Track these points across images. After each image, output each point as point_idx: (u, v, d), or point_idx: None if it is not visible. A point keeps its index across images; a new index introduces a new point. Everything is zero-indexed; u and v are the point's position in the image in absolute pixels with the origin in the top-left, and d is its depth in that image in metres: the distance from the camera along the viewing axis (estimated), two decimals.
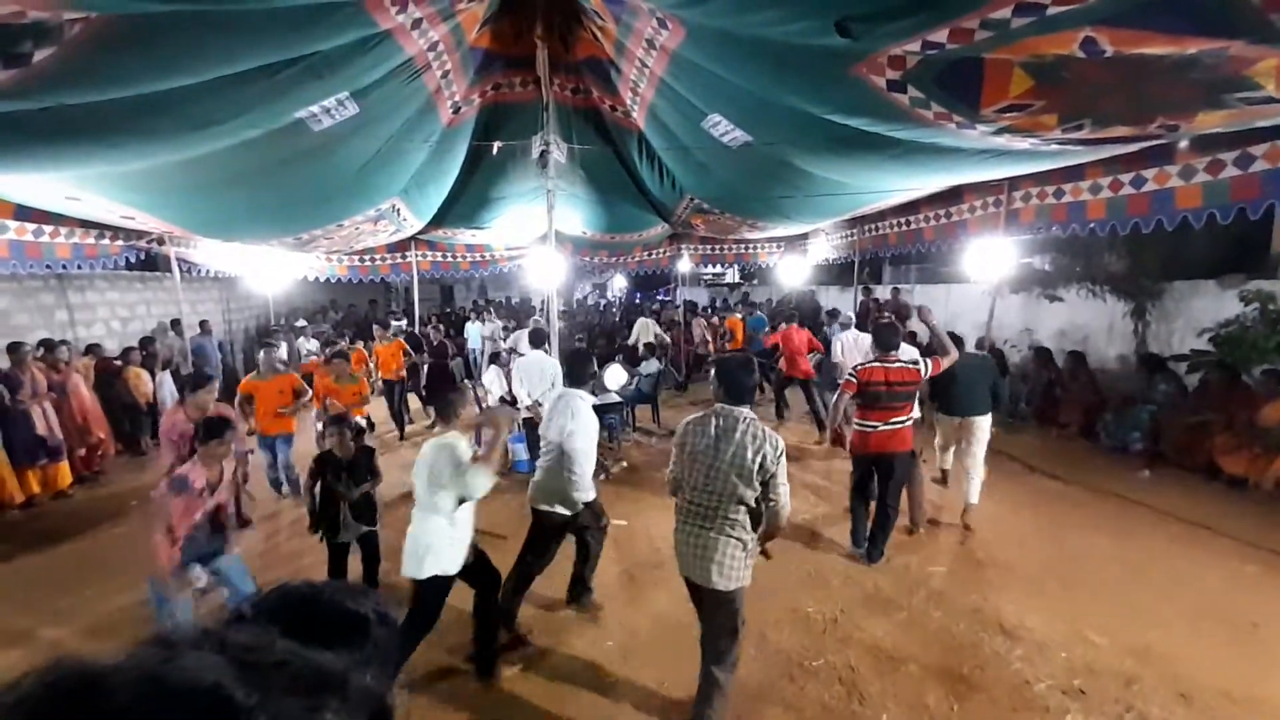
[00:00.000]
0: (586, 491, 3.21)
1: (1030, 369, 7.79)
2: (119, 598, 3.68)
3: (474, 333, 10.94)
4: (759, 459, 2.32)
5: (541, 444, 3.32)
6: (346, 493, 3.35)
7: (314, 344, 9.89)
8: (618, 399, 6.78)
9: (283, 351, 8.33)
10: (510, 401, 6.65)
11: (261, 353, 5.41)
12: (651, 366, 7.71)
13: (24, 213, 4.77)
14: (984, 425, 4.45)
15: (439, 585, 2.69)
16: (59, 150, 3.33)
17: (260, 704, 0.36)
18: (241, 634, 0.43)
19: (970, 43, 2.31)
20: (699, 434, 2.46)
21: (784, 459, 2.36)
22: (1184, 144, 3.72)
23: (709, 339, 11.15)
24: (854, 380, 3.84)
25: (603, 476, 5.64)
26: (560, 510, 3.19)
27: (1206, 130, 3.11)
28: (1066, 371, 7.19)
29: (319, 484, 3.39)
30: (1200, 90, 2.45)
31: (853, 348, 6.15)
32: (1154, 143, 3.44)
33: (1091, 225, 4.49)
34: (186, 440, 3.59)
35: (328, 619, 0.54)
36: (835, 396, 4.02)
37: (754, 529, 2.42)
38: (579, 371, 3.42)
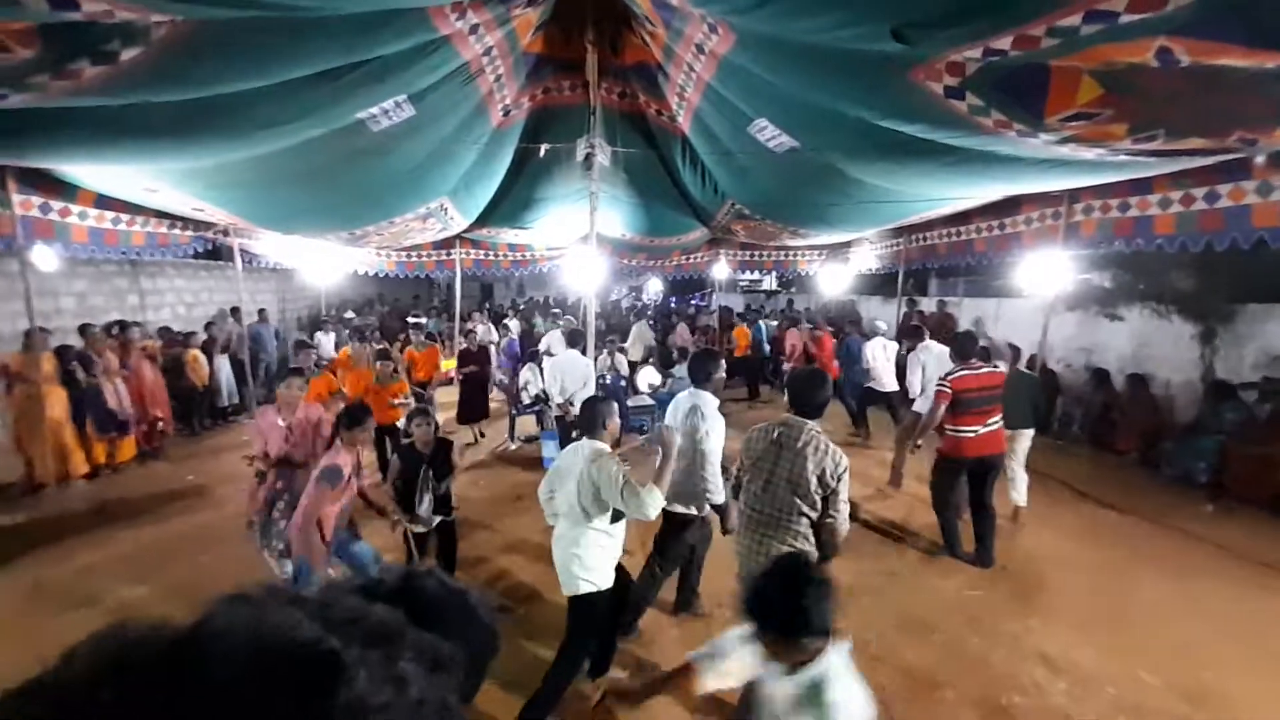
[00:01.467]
0: (717, 494, 3.08)
1: (1085, 390, 7.43)
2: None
3: (513, 330, 11.17)
4: (819, 473, 2.29)
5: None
6: (426, 486, 3.38)
7: (331, 338, 9.58)
8: (649, 401, 6.80)
9: (328, 345, 8.68)
10: (544, 399, 6.76)
11: (300, 355, 5.66)
12: (683, 370, 7.69)
13: (104, 202, 5.11)
14: (1026, 436, 4.66)
15: (596, 601, 2.54)
16: (140, 145, 3.57)
17: (357, 658, 0.37)
18: (315, 593, 0.45)
19: (1036, 49, 2.23)
20: (762, 441, 2.46)
21: (847, 476, 2.32)
22: (1260, 159, 3.50)
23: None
24: (948, 390, 3.97)
25: None
26: (692, 511, 3.11)
27: None
28: (1127, 395, 6.84)
29: (400, 477, 3.45)
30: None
31: (883, 355, 6.59)
32: (1230, 156, 3.25)
33: (1159, 241, 4.26)
34: (275, 433, 3.59)
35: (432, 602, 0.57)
36: (930, 409, 4.16)
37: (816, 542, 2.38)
38: (706, 370, 3.23)
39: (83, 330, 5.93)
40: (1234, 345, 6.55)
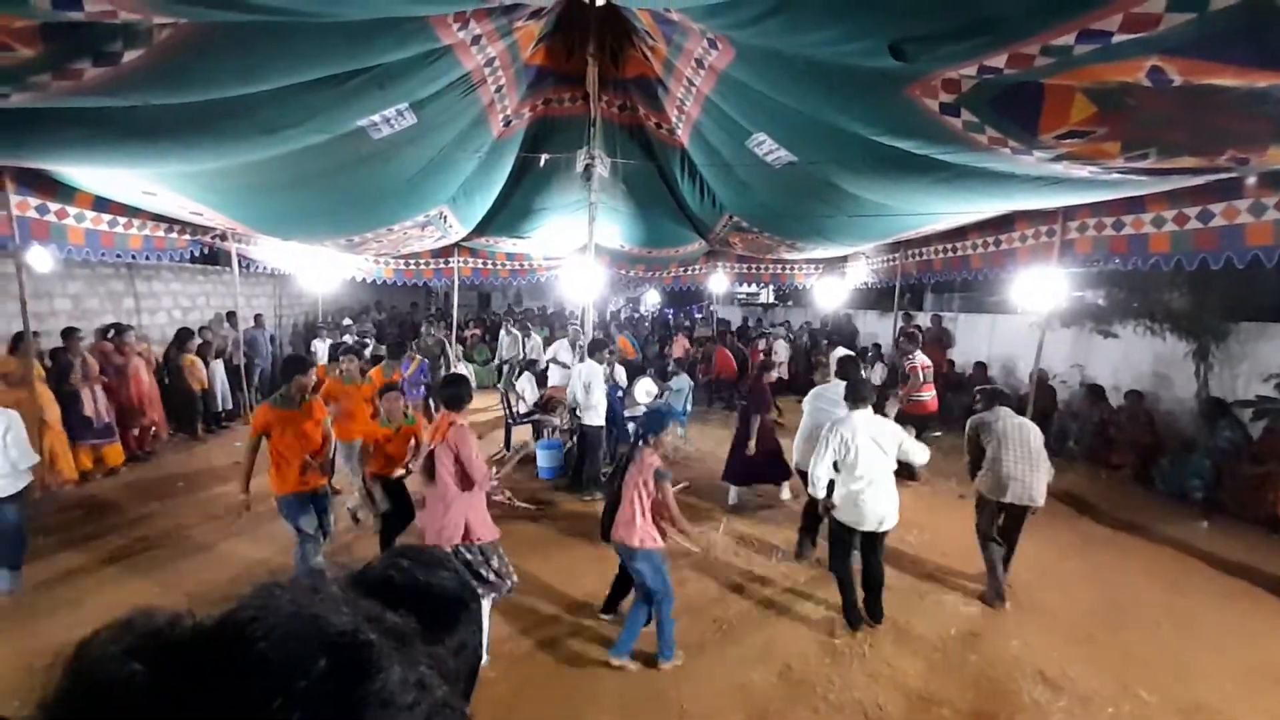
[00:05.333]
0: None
1: (1081, 406, 7.45)
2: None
3: (507, 341, 11.10)
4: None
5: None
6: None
7: (327, 345, 8.92)
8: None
9: (323, 353, 8.59)
10: (541, 407, 6.73)
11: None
12: (681, 383, 7.68)
13: (101, 204, 5.10)
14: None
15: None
16: (140, 147, 3.57)
17: (390, 652, 0.37)
18: (335, 588, 0.45)
19: (1030, 68, 2.26)
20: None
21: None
22: (1252, 180, 3.55)
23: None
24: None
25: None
26: None
27: (1277, 166, 2.96)
28: (1124, 411, 6.85)
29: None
30: (1272, 124, 2.34)
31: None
32: (1222, 176, 3.29)
33: (1155, 259, 4.30)
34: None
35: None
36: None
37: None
38: (861, 385, 3.65)
39: (65, 335, 5.86)
40: (1227, 363, 6.60)
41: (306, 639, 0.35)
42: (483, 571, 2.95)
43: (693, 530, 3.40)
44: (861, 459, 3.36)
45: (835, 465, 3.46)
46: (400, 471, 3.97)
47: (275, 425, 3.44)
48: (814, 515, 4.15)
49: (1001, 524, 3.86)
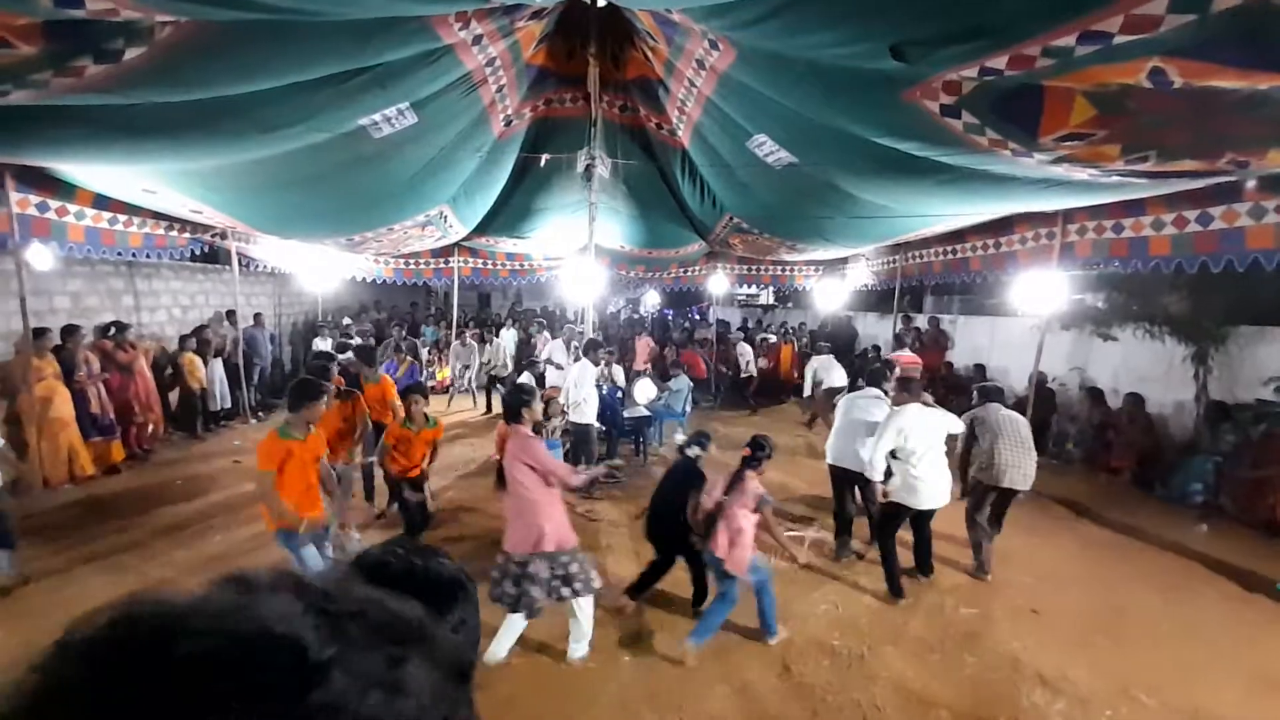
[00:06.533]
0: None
1: (1080, 409, 7.44)
2: None
3: (508, 339, 11.07)
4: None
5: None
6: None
7: (328, 344, 8.54)
8: (647, 413, 6.77)
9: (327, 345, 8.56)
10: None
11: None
12: (681, 383, 7.68)
13: (102, 202, 5.11)
14: None
15: None
16: (140, 144, 3.57)
17: (337, 656, 0.33)
18: (319, 580, 0.41)
19: (1031, 69, 2.27)
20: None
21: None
22: (1252, 183, 3.55)
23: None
24: None
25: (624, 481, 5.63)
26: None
27: (1276, 169, 2.97)
28: (1124, 414, 6.84)
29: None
30: (1272, 127, 2.34)
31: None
32: (1221, 179, 3.29)
33: (1155, 262, 4.31)
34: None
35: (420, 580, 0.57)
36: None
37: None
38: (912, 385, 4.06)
39: (67, 333, 5.85)
40: (1227, 367, 6.59)
41: (230, 645, 0.32)
42: (570, 571, 2.93)
43: (791, 545, 3.58)
44: (918, 447, 3.75)
45: (893, 453, 3.84)
46: (417, 472, 4.05)
47: (284, 458, 3.07)
48: (845, 519, 4.46)
49: (993, 504, 4.25)
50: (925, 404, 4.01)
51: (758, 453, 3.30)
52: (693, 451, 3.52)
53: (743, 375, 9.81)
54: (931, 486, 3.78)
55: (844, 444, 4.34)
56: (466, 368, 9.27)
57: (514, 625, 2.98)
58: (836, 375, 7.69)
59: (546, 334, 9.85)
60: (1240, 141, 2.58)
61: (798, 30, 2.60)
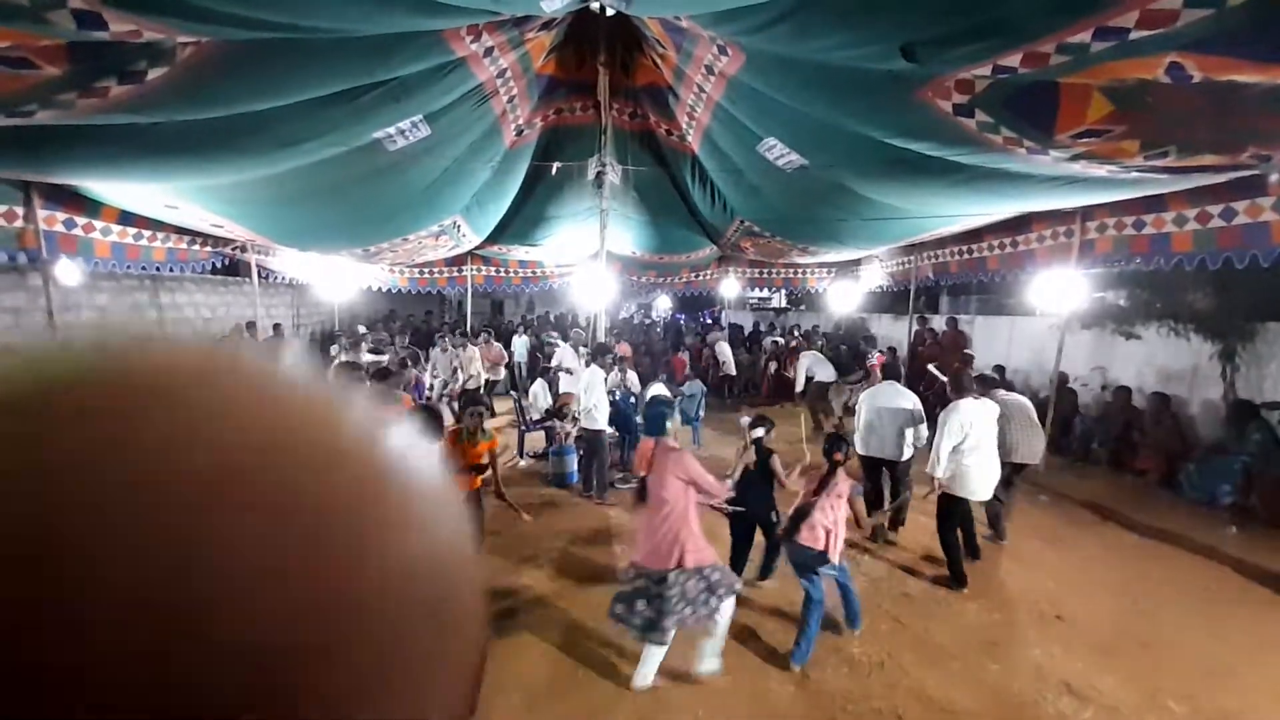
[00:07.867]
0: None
1: (1106, 409, 7.29)
2: None
3: (520, 346, 11.13)
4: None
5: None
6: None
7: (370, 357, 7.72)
8: (667, 394, 6.76)
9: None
10: (554, 414, 6.75)
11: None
12: (694, 388, 7.66)
13: (126, 218, 5.24)
14: None
15: None
16: (163, 162, 3.67)
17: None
18: None
19: (1046, 67, 2.24)
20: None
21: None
22: (1275, 177, 3.47)
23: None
24: None
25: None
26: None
27: None
28: (1150, 414, 6.68)
29: None
30: None
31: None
32: (1243, 173, 3.22)
33: (1178, 258, 4.21)
34: None
35: None
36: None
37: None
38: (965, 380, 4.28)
39: None
40: (1256, 364, 6.42)
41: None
42: (712, 580, 2.91)
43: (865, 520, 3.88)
44: (981, 439, 3.96)
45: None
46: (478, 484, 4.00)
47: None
48: (878, 493, 4.66)
49: (1005, 477, 4.42)
50: (976, 396, 4.15)
51: (765, 427, 3.71)
52: (757, 434, 3.79)
53: (721, 374, 10.04)
54: (983, 474, 3.97)
55: (874, 435, 4.52)
56: (445, 383, 7.92)
57: (653, 655, 2.91)
58: (826, 371, 8.21)
59: (560, 343, 9.45)
60: (1261, 135, 2.53)
61: (808, 33, 2.60)
